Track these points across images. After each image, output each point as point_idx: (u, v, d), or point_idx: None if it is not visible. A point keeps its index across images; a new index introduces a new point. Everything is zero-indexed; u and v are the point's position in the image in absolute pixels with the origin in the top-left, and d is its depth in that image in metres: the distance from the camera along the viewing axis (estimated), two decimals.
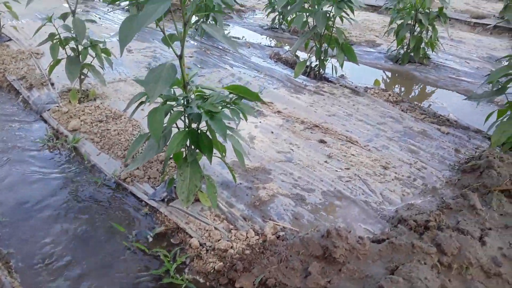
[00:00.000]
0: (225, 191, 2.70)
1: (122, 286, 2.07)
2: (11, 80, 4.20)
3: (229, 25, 7.32)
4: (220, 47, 5.75)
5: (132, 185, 2.74)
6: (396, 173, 2.98)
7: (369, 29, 7.30)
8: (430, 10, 5.06)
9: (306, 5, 4.37)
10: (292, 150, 3.22)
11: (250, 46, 5.98)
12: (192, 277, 2.11)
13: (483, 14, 8.06)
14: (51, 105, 3.68)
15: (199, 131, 2.18)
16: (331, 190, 2.77)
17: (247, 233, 2.30)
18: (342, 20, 4.22)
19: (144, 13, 1.60)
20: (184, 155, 2.33)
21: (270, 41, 6.67)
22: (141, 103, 2.20)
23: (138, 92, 2.20)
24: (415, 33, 5.24)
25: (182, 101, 2.13)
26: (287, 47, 6.14)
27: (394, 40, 5.51)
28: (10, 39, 5.34)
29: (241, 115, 2.15)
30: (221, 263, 2.11)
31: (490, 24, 7.39)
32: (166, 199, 2.57)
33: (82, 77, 3.73)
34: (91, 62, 3.59)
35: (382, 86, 4.78)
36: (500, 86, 3.02)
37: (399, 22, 5.24)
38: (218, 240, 2.26)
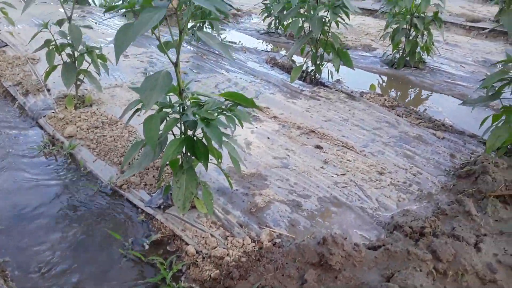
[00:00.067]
0: (221, 197, 2.70)
1: None
2: (7, 86, 4.19)
3: (226, 30, 7.34)
4: (216, 52, 5.76)
5: (128, 192, 2.74)
6: (391, 178, 2.99)
7: (365, 33, 7.33)
8: (425, 14, 5.09)
9: (302, 10, 4.40)
10: (288, 155, 3.23)
11: (247, 51, 5.99)
12: (188, 285, 2.10)
13: (478, 17, 8.11)
14: (47, 111, 3.67)
15: (195, 138, 2.18)
16: (327, 196, 2.78)
17: (243, 240, 2.30)
18: (337, 25, 4.24)
19: (139, 21, 1.61)
20: (180, 162, 2.33)
21: (267, 45, 6.69)
22: (137, 110, 2.21)
23: (134, 100, 2.20)
24: (411, 38, 5.27)
25: (177, 108, 2.13)
26: (283, 52, 6.16)
27: (389, 44, 5.53)
28: (6, 45, 5.33)
29: (237, 121, 2.15)
30: (217, 271, 2.11)
31: (486, 27, 7.44)
32: (162, 206, 2.57)
33: (78, 83, 3.73)
34: (87, 68, 3.59)
35: (378, 90, 4.80)
36: (495, 91, 3.04)
37: (394, 26, 5.26)
38: (215, 248, 2.26)
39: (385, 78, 5.36)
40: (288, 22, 5.44)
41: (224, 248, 2.25)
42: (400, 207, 2.70)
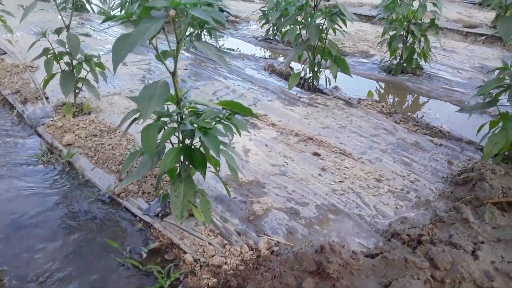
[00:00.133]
0: (219, 205, 2.70)
1: None
2: (6, 94, 4.20)
3: (224, 36, 7.37)
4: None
5: (126, 200, 2.74)
6: (389, 185, 3.00)
7: (363, 40, 7.36)
8: (422, 21, 5.12)
9: (299, 18, 4.42)
10: (286, 163, 3.23)
11: (244, 58, 6.02)
12: None
13: (475, 23, 8.16)
14: (45, 120, 3.68)
15: (192, 146, 2.19)
16: (325, 203, 2.78)
17: (241, 248, 2.31)
18: (335, 32, 4.26)
19: (137, 32, 1.62)
20: (178, 171, 2.33)
21: (265, 52, 6.72)
22: (135, 119, 2.21)
23: (132, 109, 2.21)
24: (408, 44, 5.29)
25: (175, 118, 2.14)
26: (281, 58, 6.19)
27: (387, 51, 5.55)
28: (5, 53, 5.35)
29: (234, 130, 2.16)
30: (215, 280, 2.11)
31: (483, 33, 7.48)
32: (160, 214, 2.57)
33: (77, 91, 3.74)
34: (85, 76, 3.60)
35: (376, 97, 4.82)
36: (491, 98, 3.05)
37: (392, 33, 5.28)
38: (212, 256, 2.26)
39: (382, 84, 5.39)
40: (286, 29, 5.47)
41: (222, 256, 2.25)
42: (398, 214, 2.70)
